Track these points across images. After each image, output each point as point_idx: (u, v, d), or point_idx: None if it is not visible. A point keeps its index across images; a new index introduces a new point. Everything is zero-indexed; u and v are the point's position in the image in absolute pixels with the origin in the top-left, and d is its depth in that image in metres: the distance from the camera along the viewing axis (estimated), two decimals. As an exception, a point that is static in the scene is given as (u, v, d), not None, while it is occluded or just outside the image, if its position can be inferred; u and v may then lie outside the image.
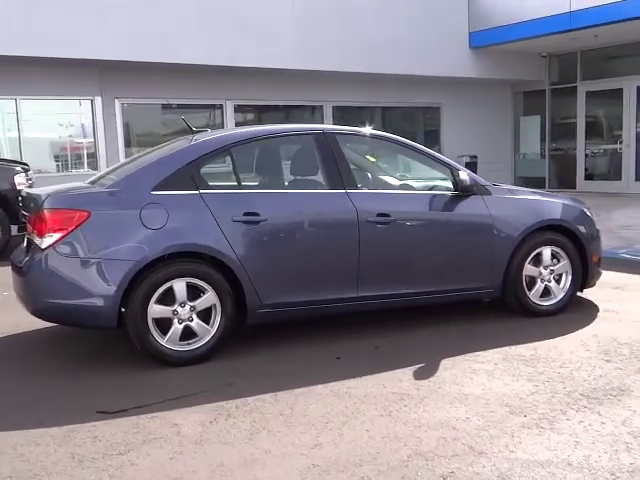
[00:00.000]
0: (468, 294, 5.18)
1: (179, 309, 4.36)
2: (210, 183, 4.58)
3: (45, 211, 4.25)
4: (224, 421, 3.56)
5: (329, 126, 5.03)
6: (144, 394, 3.98)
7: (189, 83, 12.28)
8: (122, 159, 12.03)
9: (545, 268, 5.36)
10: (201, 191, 4.47)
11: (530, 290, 5.31)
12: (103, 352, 4.82)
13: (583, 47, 15.25)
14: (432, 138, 15.94)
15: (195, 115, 13.30)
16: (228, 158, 4.66)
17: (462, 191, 5.03)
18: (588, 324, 5.16)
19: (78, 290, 4.22)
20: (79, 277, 4.22)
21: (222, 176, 4.74)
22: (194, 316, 4.40)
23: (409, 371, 4.22)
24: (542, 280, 5.36)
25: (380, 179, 5.38)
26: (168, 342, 4.35)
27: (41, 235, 4.24)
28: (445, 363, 4.35)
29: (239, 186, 4.66)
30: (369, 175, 5.31)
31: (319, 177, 4.86)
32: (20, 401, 3.95)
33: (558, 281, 5.43)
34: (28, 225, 4.53)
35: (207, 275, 4.38)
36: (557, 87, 16.40)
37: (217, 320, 4.45)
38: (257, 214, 4.50)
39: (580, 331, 4.97)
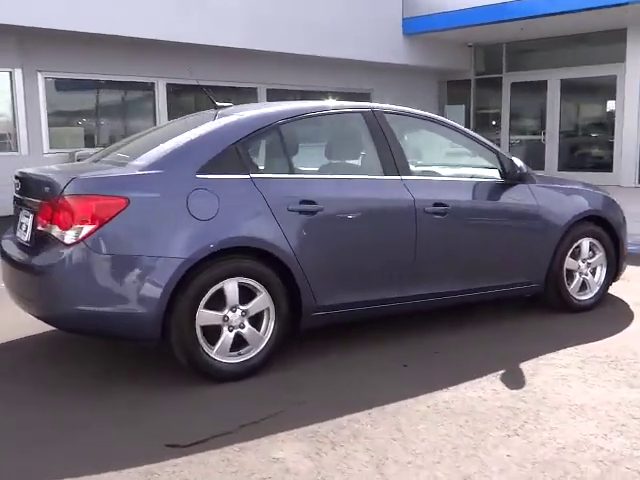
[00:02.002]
0: (516, 290, 4.81)
1: (230, 314, 3.69)
2: (260, 166, 3.92)
3: (70, 198, 3.44)
4: (333, 451, 2.97)
5: (376, 104, 4.47)
6: (205, 419, 3.31)
7: (121, 58, 11.19)
8: (46, 141, 10.82)
9: (583, 261, 5.09)
10: (252, 175, 3.80)
11: (570, 285, 5.02)
12: (129, 363, 4.05)
13: (509, 39, 15.39)
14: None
15: (118, 95, 12.21)
16: (277, 137, 4.00)
17: (517, 179, 4.64)
18: (631, 319, 4.93)
19: (114, 295, 3.46)
20: (116, 279, 3.46)
21: (271, 158, 4.07)
22: (245, 322, 3.75)
23: (494, 379, 3.79)
24: (580, 274, 5.08)
25: (427, 164, 4.88)
26: (218, 353, 3.68)
27: (65, 227, 3.43)
28: (524, 368, 3.96)
29: (291, 170, 4.01)
30: (417, 160, 4.79)
31: (371, 161, 4.30)
32: (58, 433, 3.16)
33: (593, 274, 5.18)
34: (38, 214, 3.66)
35: (261, 274, 3.73)
36: (482, 77, 16.50)
37: (270, 326, 3.82)
38: (314, 202, 3.89)
39: (632, 327, 4.73)
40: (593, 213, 5.05)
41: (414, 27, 14.64)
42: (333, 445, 3.02)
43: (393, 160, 4.24)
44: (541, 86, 15.37)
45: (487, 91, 16.45)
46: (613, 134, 14.41)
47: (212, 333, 3.67)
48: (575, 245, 4.99)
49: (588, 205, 5.05)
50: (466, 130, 4.78)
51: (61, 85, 11.26)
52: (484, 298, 4.71)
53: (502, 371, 3.91)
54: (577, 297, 5.07)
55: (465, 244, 4.49)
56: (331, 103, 4.35)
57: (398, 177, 4.24)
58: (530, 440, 3.06)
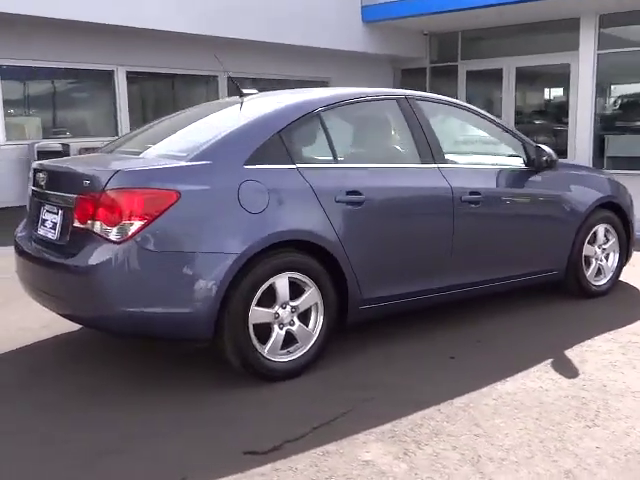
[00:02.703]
0: (542, 277, 4.80)
1: (280, 311, 3.53)
2: (304, 156, 3.74)
3: (116, 192, 3.20)
4: (420, 451, 2.86)
5: (408, 91, 4.35)
6: (271, 422, 3.16)
7: (77, 45, 10.68)
8: (1, 132, 10.24)
9: (599, 247, 5.13)
10: (298, 165, 3.63)
11: (587, 271, 5.05)
12: (166, 367, 3.83)
13: (464, 27, 15.50)
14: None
15: (78, 84, 11.69)
16: (318, 125, 3.83)
17: (544, 166, 4.61)
18: (648, 303, 5.00)
19: (166, 294, 3.25)
20: (167, 277, 3.24)
21: (314, 147, 3.90)
22: (295, 318, 3.59)
23: (545, 368, 3.75)
24: (596, 260, 5.12)
25: (457, 152, 4.79)
26: (269, 353, 3.51)
27: (111, 224, 3.19)
28: (570, 356, 3.94)
29: (335, 159, 3.85)
30: (448, 147, 4.69)
31: (408, 149, 4.19)
32: (126, 444, 2.93)
33: (606, 260, 5.23)
34: (75, 210, 3.38)
35: (311, 268, 3.58)
36: (438, 66, 16.58)
37: (319, 321, 3.67)
38: (359, 193, 3.75)
39: (652, 311, 4.79)
40: (609, 199, 5.08)
41: (373, 14, 14.56)
42: (418, 444, 2.91)
43: (429, 148, 4.14)
44: (496, 74, 15.54)
45: (443, 79, 16.53)
46: (567, 121, 14.72)
47: (261, 332, 3.49)
48: (592, 231, 5.01)
49: (604, 191, 5.08)
50: (492, 117, 4.72)
51: (14, 73, 10.67)
52: (514, 286, 4.68)
53: (550, 359, 3.87)
54: (594, 283, 5.10)
55: (497, 232, 4.45)
56: (366, 89, 4.21)
57: (435, 165, 4.15)
58: (612, 430, 3.02)
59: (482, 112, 4.65)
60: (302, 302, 3.58)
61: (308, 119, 3.77)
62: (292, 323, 3.57)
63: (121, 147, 4.19)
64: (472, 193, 4.22)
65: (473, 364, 3.84)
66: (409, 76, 17.02)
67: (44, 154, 10.37)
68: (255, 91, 4.29)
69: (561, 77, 14.82)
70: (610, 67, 14.31)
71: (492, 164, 4.65)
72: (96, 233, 3.23)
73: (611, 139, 14.31)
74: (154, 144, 3.93)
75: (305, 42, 13.46)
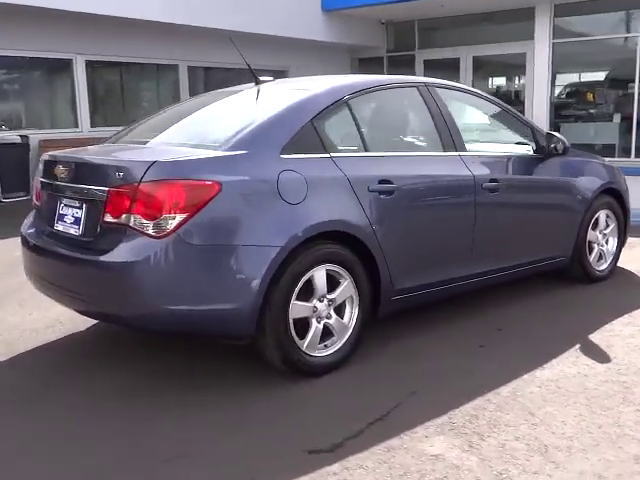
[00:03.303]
0: (551, 263, 4.84)
1: (318, 304, 3.44)
2: (336, 144, 3.64)
3: (156, 184, 3.04)
4: (484, 443, 2.82)
5: (427, 78, 4.30)
6: (323, 418, 3.07)
7: (32, 32, 10.22)
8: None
9: (600, 232, 5.20)
10: (332, 154, 3.54)
11: (590, 256, 5.11)
12: (196, 364, 3.69)
13: (421, 16, 15.56)
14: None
15: (34, 74, 11.21)
16: (347, 113, 3.74)
17: (557, 153, 4.64)
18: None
19: (210, 290, 3.11)
20: (211, 273, 3.10)
21: (344, 135, 3.80)
22: (331, 312, 3.50)
23: (576, 353, 3.78)
24: (598, 245, 5.20)
25: (473, 139, 4.75)
26: (308, 348, 3.41)
27: (152, 217, 3.03)
28: (595, 340, 3.99)
29: (365, 148, 3.77)
30: (466, 135, 4.66)
31: (431, 137, 4.13)
32: (196, 447, 2.80)
33: (607, 245, 5.31)
34: (107, 203, 3.19)
35: (347, 259, 3.50)
36: (395, 55, 16.61)
37: (354, 314, 3.59)
38: (390, 182, 3.69)
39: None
40: (610, 185, 5.15)
41: (332, 3, 14.46)
42: (480, 436, 2.87)
43: (450, 135, 4.11)
44: (454, 63, 15.66)
45: (400, 68, 16.54)
46: (524, 110, 14.96)
47: (299, 327, 3.39)
48: (595, 217, 5.08)
49: (606, 178, 5.15)
50: (503, 103, 4.71)
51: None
52: (526, 274, 4.70)
53: (577, 345, 3.90)
54: (597, 268, 5.18)
55: (513, 220, 4.46)
56: (389, 77, 4.16)
57: (456, 153, 4.12)
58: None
59: (493, 99, 4.65)
60: (339, 294, 3.50)
61: (337, 106, 3.67)
62: (329, 316, 3.49)
63: (136, 137, 4.02)
64: (491, 181, 4.21)
65: (502, 352, 3.83)
66: (366, 65, 16.98)
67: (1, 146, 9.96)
68: (270, 78, 4.15)
69: (518, 66, 15.05)
70: (565, 56, 14.61)
71: (505, 151, 4.65)
72: (133, 228, 3.07)
73: (566, 127, 14.61)
74: (173, 134, 3.77)
75: (265, 30, 13.27)
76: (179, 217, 3.00)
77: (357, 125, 3.74)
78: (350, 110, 3.72)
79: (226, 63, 13.70)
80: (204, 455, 2.75)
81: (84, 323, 4.34)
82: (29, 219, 3.95)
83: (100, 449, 2.82)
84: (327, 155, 3.50)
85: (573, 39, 14.56)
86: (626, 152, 13.55)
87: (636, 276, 5.40)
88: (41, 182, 3.77)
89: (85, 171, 3.41)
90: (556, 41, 14.50)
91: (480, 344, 3.94)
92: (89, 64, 11.34)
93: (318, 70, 15.39)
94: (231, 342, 3.46)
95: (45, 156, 3.77)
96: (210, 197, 3.05)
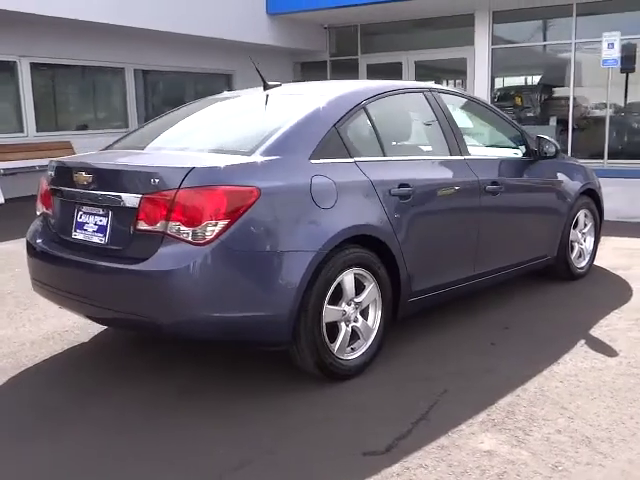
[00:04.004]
0: (538, 263, 5.01)
1: (346, 308, 3.47)
2: (358, 149, 3.68)
3: (196, 191, 3.00)
4: (530, 437, 2.92)
5: (430, 84, 4.40)
6: (364, 419, 3.11)
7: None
8: None
9: (580, 231, 5.43)
10: (355, 159, 3.58)
11: (572, 255, 5.33)
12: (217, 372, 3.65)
13: (363, 21, 15.76)
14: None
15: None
16: (365, 117, 3.78)
17: (551, 156, 4.83)
18: (622, 281, 5.34)
19: (251, 296, 3.10)
20: (252, 279, 3.09)
21: (364, 140, 3.82)
22: (358, 315, 3.55)
23: (583, 349, 3.93)
24: (578, 243, 5.42)
25: (472, 143, 4.86)
26: (338, 351, 3.44)
27: (192, 225, 2.99)
28: (598, 335, 4.15)
29: (383, 152, 3.82)
30: (467, 139, 4.77)
31: (439, 141, 4.22)
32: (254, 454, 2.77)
33: (585, 243, 5.54)
34: (140, 210, 3.12)
35: (372, 262, 3.54)
36: (338, 59, 16.76)
37: (378, 317, 3.64)
38: (408, 185, 3.76)
39: (635, 286, 5.13)
40: (588, 186, 5.38)
41: (277, 7, 14.49)
42: (523, 431, 2.97)
43: (456, 140, 4.22)
44: (396, 68, 15.94)
45: (343, 73, 16.73)
46: (466, 113, 15.36)
47: (330, 329, 3.42)
48: (576, 217, 5.30)
49: (585, 179, 5.38)
50: (495, 108, 4.87)
51: None
52: (520, 273, 4.86)
53: (582, 340, 4.06)
54: (577, 265, 5.39)
55: (510, 220, 4.61)
56: (397, 82, 4.23)
57: (462, 157, 4.23)
58: None
59: (487, 104, 4.79)
60: (365, 298, 3.54)
61: (356, 111, 3.71)
62: (356, 320, 3.53)
63: (149, 143, 3.95)
64: (493, 183, 4.34)
65: (514, 349, 3.95)
66: (310, 69, 17.10)
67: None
68: (278, 83, 4.15)
69: (459, 71, 15.45)
70: (503, 61, 15.10)
71: (500, 155, 4.80)
72: (171, 235, 3.02)
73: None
74: (192, 139, 3.74)
75: (211, 33, 13.14)
76: (221, 224, 2.98)
77: (375, 130, 3.79)
78: (368, 115, 3.77)
79: (175, 66, 13.55)
80: (267, 461, 2.74)
81: (84, 334, 4.24)
82: (35, 227, 3.81)
83: (160, 465, 2.76)
84: (351, 160, 3.54)
85: (511, 45, 15.09)
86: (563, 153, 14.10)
87: (609, 272, 5.65)
88: (52, 189, 3.65)
89: (111, 178, 3.32)
90: (495, 47, 14.98)
91: (491, 342, 4.05)
92: (34, 67, 10.96)
93: (263, 74, 15.38)
94: (268, 349, 3.44)
95: (53, 162, 3.66)
96: (250, 203, 3.04)
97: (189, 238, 2.99)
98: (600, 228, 5.69)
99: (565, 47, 14.35)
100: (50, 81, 11.78)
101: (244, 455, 2.80)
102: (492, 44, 14.96)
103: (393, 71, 15.98)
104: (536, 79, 15.70)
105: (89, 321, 4.33)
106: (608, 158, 12.84)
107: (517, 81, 15.92)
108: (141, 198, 3.11)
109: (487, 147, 4.95)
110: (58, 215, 3.61)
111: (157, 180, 3.07)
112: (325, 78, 16.83)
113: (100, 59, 11.88)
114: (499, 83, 15.24)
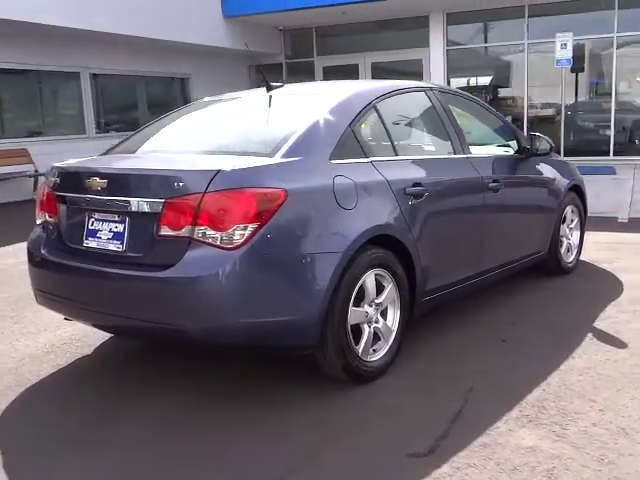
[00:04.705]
0: (532, 259, 5.06)
1: (368, 309, 3.43)
2: (373, 149, 3.64)
3: (224, 194, 2.91)
4: (568, 431, 2.93)
5: (431, 83, 4.39)
6: (398, 421, 3.07)
7: None
8: None
9: (567, 227, 5.52)
10: (371, 159, 3.55)
11: (561, 249, 5.42)
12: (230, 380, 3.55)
13: (318, 24, 15.75)
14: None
15: None
16: (377, 117, 3.75)
17: (544, 153, 4.89)
18: (608, 273, 5.45)
19: (282, 300, 3.03)
20: (283, 283, 3.03)
21: (376, 139, 3.79)
22: (379, 316, 3.51)
23: (593, 342, 3.98)
24: (566, 238, 5.51)
25: (471, 142, 4.88)
26: (363, 353, 3.40)
27: (221, 229, 2.90)
28: (604, 328, 4.20)
29: (395, 152, 3.79)
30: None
31: (444, 140, 4.22)
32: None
33: (572, 238, 5.64)
34: (163, 215, 3.01)
35: (391, 263, 3.51)
36: (293, 61, 16.71)
37: (397, 317, 3.62)
38: (421, 185, 3.75)
39: (625, 279, 5.23)
40: (574, 182, 5.48)
41: (233, 9, 14.37)
42: (560, 426, 2.98)
43: (458, 138, 4.23)
44: (353, 69, 15.99)
45: (299, 75, 16.69)
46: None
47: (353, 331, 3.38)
48: (564, 213, 5.38)
49: (572, 175, 5.47)
50: (489, 106, 4.91)
51: None
52: (518, 269, 4.90)
53: (589, 333, 4.12)
54: (566, 260, 5.48)
55: (510, 217, 4.65)
56: (401, 82, 4.21)
57: (464, 155, 4.24)
58: None
59: (480, 101, 4.83)
60: (385, 298, 3.51)
61: (368, 111, 3.68)
62: (377, 321, 3.49)
63: (157, 145, 3.84)
64: (494, 181, 4.37)
65: (526, 345, 3.97)
66: (266, 72, 16.92)
67: None
68: (281, 84, 4.09)
69: (415, 72, 15.58)
70: (458, 62, 15.33)
71: (497, 152, 4.84)
72: (198, 240, 2.92)
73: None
74: (204, 141, 3.66)
75: (166, 36, 12.92)
76: (250, 227, 2.90)
77: (386, 129, 3.76)
78: (379, 114, 3.75)
79: (131, 70, 13.27)
80: (312, 469, 2.68)
81: (85, 346, 4.10)
82: (36, 235, 3.65)
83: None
84: (367, 160, 3.51)
85: (466, 46, 15.32)
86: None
87: (595, 266, 5.76)
88: (57, 196, 3.50)
89: (128, 182, 3.20)
90: (450, 48, 15.19)
91: (502, 339, 4.07)
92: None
93: (218, 77, 15.26)
94: (295, 353, 3.37)
95: (59, 168, 3.51)
96: (278, 205, 2.97)
97: (217, 243, 2.90)
98: (585, 223, 5.79)
99: (518, 47, 14.66)
100: (1, 87, 11.37)
101: (287, 464, 2.73)
102: (447, 45, 15.18)
103: (350, 73, 16.02)
104: (490, 79, 15.97)
105: (87, 333, 4.22)
106: (564, 155, 13.14)
107: (472, 82, 16.15)
108: (163, 203, 3.00)
109: (482, 145, 4.98)
110: (65, 223, 3.46)
111: (181, 184, 2.96)
112: (281, 80, 16.73)
113: (54, 63, 11.53)
114: (455, 84, 15.41)
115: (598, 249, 6.32)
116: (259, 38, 15.57)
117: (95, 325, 3.53)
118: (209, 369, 3.71)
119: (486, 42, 15.35)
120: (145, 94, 14.75)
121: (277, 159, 3.14)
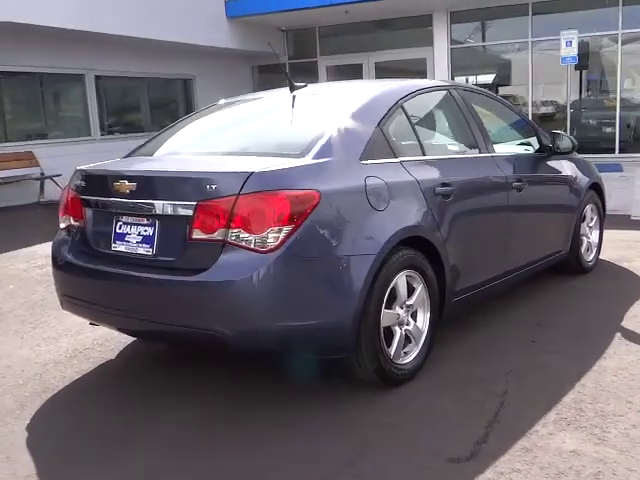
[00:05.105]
0: (554, 258, 5.01)
1: (400, 311, 3.39)
2: (401, 148, 3.60)
3: (258, 196, 2.86)
4: (609, 434, 2.88)
5: (453, 82, 4.35)
6: (435, 425, 3.02)
7: None
8: None
9: (587, 225, 5.48)
10: (400, 159, 3.50)
11: (581, 248, 5.37)
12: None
13: (321, 23, 15.70)
14: (189, 111, 14.89)
15: None
16: (403, 117, 3.70)
17: (567, 152, 4.85)
18: (630, 273, 5.41)
19: (318, 303, 2.99)
20: (320, 286, 2.98)
21: (404, 139, 3.74)
22: (409, 318, 3.47)
23: (623, 342, 3.93)
24: (586, 237, 5.47)
25: (494, 140, 4.83)
26: (394, 356, 3.35)
27: (256, 231, 2.85)
28: (632, 328, 4.17)
29: (423, 151, 3.74)
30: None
31: (469, 139, 4.17)
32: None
33: (592, 236, 5.59)
34: (196, 218, 2.96)
35: (421, 264, 3.47)
36: (297, 62, 16.65)
37: (427, 319, 3.57)
38: (449, 185, 3.70)
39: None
40: (594, 180, 5.43)
41: (236, 10, 14.31)
42: (600, 428, 2.93)
43: (483, 137, 4.19)
44: (356, 69, 15.93)
45: (302, 75, 16.61)
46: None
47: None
48: (584, 211, 5.34)
49: (592, 173, 5.43)
50: (511, 104, 4.86)
51: None
52: (541, 269, 4.85)
53: (618, 333, 4.08)
54: (586, 259, 5.44)
55: (533, 217, 4.61)
56: (425, 81, 4.18)
57: (489, 154, 4.20)
58: None
59: (501, 99, 4.79)
60: (415, 300, 3.46)
61: (395, 110, 3.63)
62: (408, 323, 3.45)
63: (182, 147, 3.80)
64: (518, 180, 4.32)
65: (555, 346, 3.92)
66: (268, 72, 16.95)
67: None
68: (304, 84, 4.04)
69: (419, 71, 15.53)
70: (462, 60, 15.28)
71: (519, 151, 4.80)
72: (232, 244, 2.87)
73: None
74: (231, 142, 3.61)
75: (171, 38, 12.87)
76: (285, 229, 2.85)
77: (413, 129, 3.72)
78: (405, 114, 3.70)
79: (136, 72, 13.22)
80: (351, 474, 2.64)
81: (107, 351, 4.05)
82: (61, 239, 3.60)
83: None
84: (397, 160, 3.46)
85: (469, 45, 15.28)
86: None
87: (615, 265, 5.72)
88: (82, 200, 3.45)
89: (158, 185, 3.15)
90: (454, 47, 15.14)
91: (531, 340, 4.02)
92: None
93: (222, 78, 15.21)
94: (329, 357, 3.31)
95: (84, 171, 3.46)
96: (312, 207, 2.92)
97: (252, 246, 2.85)
98: (603, 221, 5.75)
99: (522, 45, 14.61)
100: (6, 90, 11.31)
101: (324, 470, 2.69)
102: (451, 44, 15.11)
103: (353, 73, 15.97)
104: (494, 78, 15.92)
105: (108, 338, 4.18)
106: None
107: (477, 80, 16.09)
108: (195, 206, 2.95)
109: (504, 143, 4.93)
110: (92, 227, 3.41)
111: (214, 186, 2.92)
112: (284, 81, 16.69)
113: (58, 65, 11.48)
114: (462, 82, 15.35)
115: (616, 247, 6.27)
116: (261, 39, 15.49)
117: (122, 330, 3.48)
118: (236, 375, 3.66)
119: (490, 40, 15.29)
120: (149, 96, 14.69)
121: (308, 160, 3.10)
